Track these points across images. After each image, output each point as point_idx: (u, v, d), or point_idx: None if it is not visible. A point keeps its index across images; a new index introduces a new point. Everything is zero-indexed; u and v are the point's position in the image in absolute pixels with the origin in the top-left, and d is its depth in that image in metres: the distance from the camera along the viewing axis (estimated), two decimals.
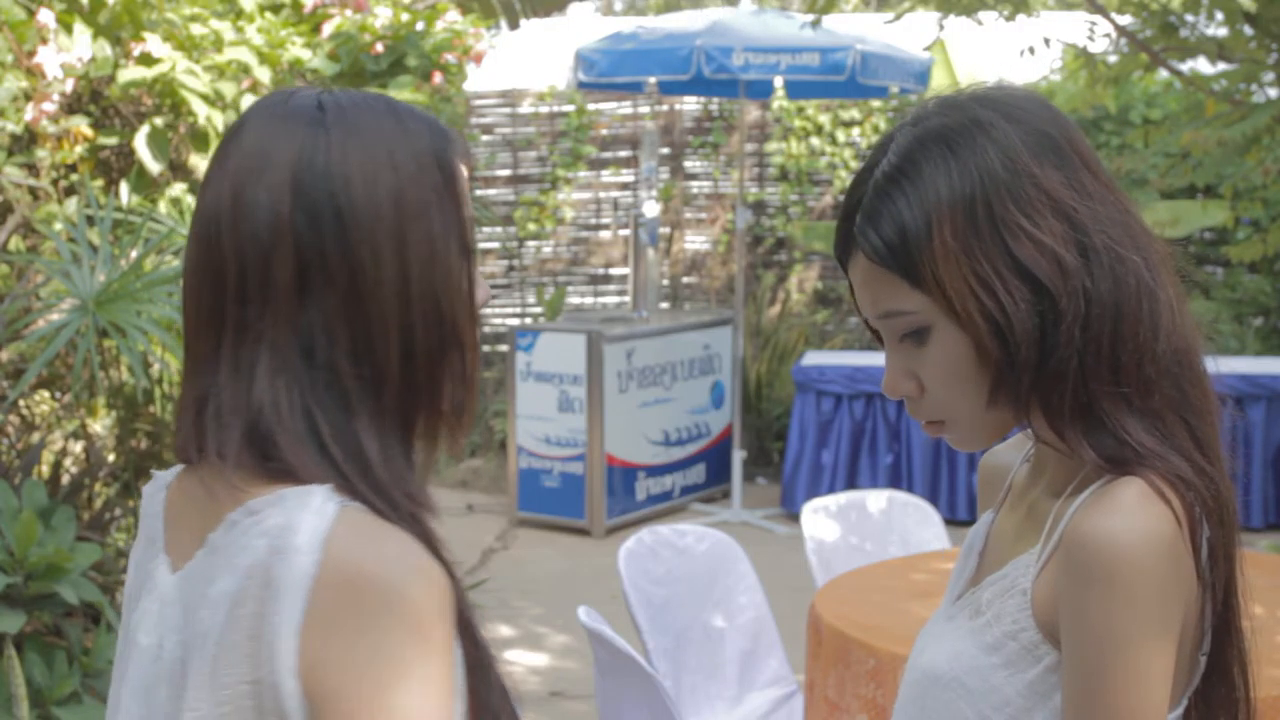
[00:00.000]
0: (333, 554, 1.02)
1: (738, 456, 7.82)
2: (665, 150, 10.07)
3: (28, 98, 4.13)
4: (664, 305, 9.47)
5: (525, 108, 10.16)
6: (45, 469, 4.26)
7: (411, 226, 1.07)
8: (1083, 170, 1.21)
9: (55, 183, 4.36)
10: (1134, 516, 1.15)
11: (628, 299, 9.02)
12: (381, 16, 4.84)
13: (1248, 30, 5.66)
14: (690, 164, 10.24)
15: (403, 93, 4.69)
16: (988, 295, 1.19)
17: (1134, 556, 1.13)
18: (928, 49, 7.33)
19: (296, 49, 4.66)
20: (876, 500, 4.00)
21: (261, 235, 1.07)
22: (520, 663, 5.34)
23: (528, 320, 10.09)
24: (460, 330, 1.10)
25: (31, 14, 4.14)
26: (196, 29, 4.50)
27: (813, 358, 7.92)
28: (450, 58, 4.96)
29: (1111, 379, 1.18)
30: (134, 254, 3.78)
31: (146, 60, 4.33)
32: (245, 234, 1.07)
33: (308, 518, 1.03)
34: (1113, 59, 6.16)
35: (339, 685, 1.00)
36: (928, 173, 1.23)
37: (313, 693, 1.00)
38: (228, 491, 1.08)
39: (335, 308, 1.07)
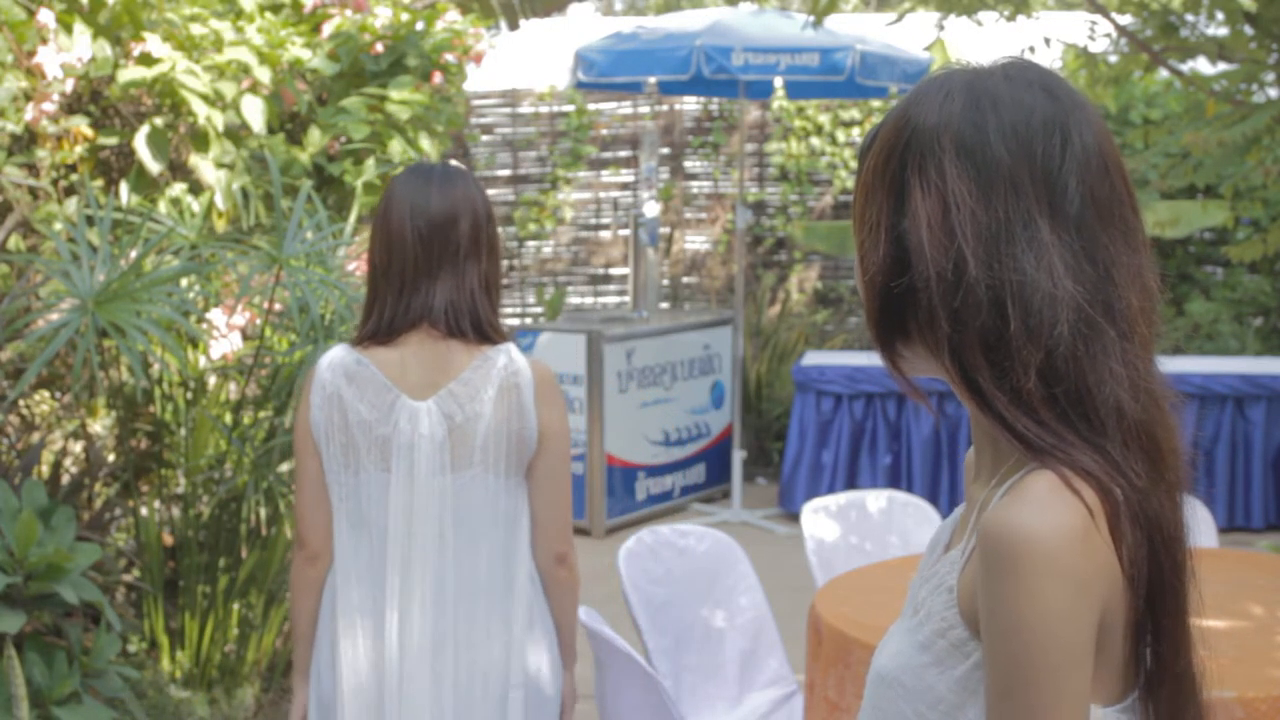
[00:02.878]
0: (535, 365, 2.58)
1: (738, 456, 7.82)
2: (665, 150, 10.07)
3: (28, 98, 4.13)
4: (664, 305, 9.47)
5: (525, 108, 10.16)
6: (45, 469, 4.26)
7: None
8: (1027, 195, 1.19)
9: (55, 183, 4.36)
10: (1041, 507, 1.14)
11: (628, 299, 9.01)
12: (381, 16, 4.84)
13: (1248, 30, 5.66)
14: (690, 164, 10.24)
15: (402, 92, 4.69)
16: (868, 233, 1.25)
17: (1040, 547, 1.12)
18: (928, 49, 7.33)
19: (296, 49, 4.66)
20: (876, 500, 4.00)
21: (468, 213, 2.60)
22: None
23: (528, 320, 10.09)
24: None
25: (31, 14, 4.14)
26: (196, 29, 4.50)
27: (813, 358, 7.92)
28: (450, 58, 4.96)
29: (1011, 371, 1.18)
30: (134, 254, 3.78)
31: (146, 60, 4.33)
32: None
33: (515, 354, 2.56)
34: (1113, 59, 6.16)
35: (553, 426, 2.56)
36: (893, 110, 1.27)
37: (542, 433, 2.55)
38: (466, 349, 2.53)
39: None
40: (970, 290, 1.18)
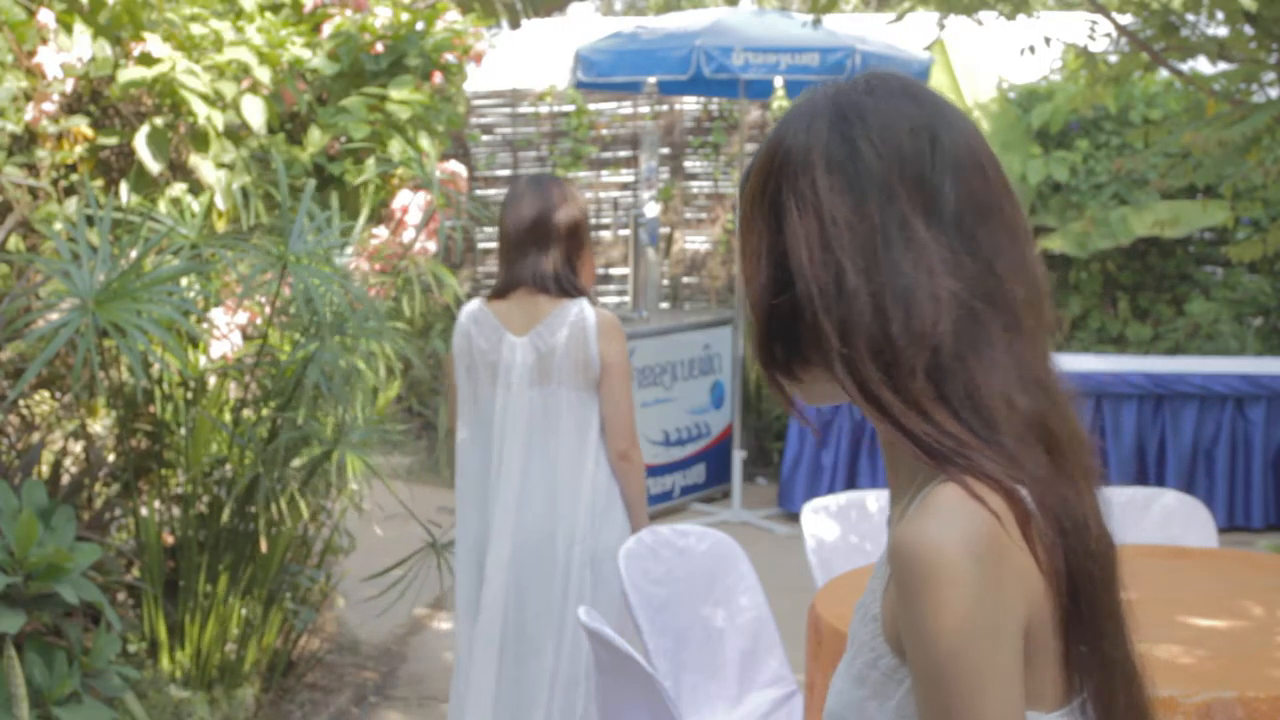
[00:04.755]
0: (600, 313, 3.56)
1: (738, 456, 7.82)
2: (665, 150, 10.07)
3: (28, 98, 4.13)
4: (664, 305, 9.47)
5: (525, 108, 10.16)
6: (45, 469, 4.26)
7: None
8: (902, 200, 1.20)
9: (55, 183, 4.36)
10: (946, 520, 1.13)
11: (628, 299, 9.01)
12: (381, 16, 4.84)
13: (1248, 30, 5.66)
14: (690, 164, 10.24)
15: (402, 92, 4.69)
16: (752, 262, 1.26)
17: (948, 560, 1.11)
18: (928, 49, 7.34)
19: (296, 49, 4.66)
20: (876, 500, 4.00)
21: None
22: None
23: None
24: None
25: (31, 14, 4.14)
26: (196, 29, 4.50)
27: None
28: (450, 58, 4.96)
29: (907, 381, 1.18)
30: (134, 254, 3.78)
31: (146, 60, 4.33)
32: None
33: (586, 306, 3.54)
34: (1113, 59, 6.16)
35: (611, 357, 3.53)
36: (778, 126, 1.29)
37: (603, 361, 3.52)
38: (550, 301, 3.55)
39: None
40: (852, 300, 1.19)
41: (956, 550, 1.11)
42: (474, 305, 3.64)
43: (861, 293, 1.18)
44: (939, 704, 1.12)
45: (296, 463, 4.42)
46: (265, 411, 4.34)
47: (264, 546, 4.29)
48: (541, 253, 3.54)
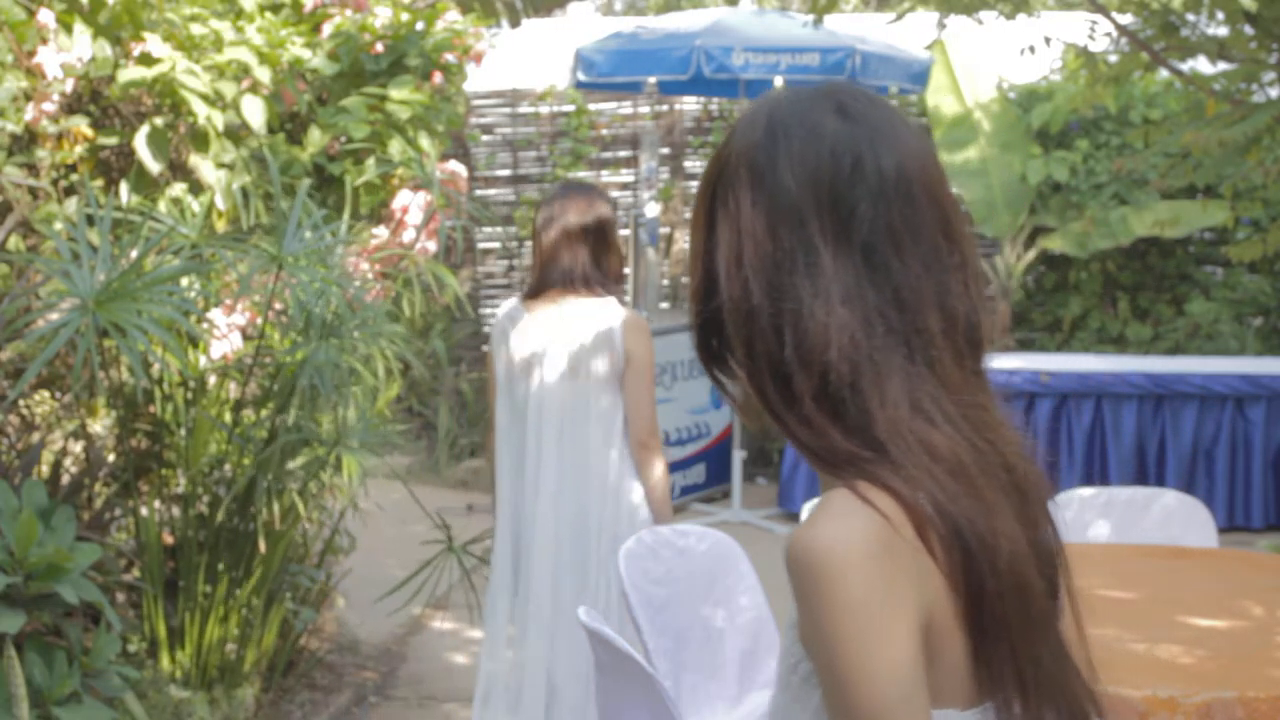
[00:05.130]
0: (627, 311, 3.74)
1: (738, 456, 7.82)
2: (665, 150, 10.06)
3: (28, 98, 4.13)
4: (664, 305, 9.47)
5: (525, 108, 10.16)
6: (45, 469, 4.26)
7: None
8: (813, 225, 1.22)
9: (55, 183, 4.36)
10: (833, 521, 1.15)
11: (628, 299, 9.02)
12: (381, 16, 4.84)
13: (1248, 30, 5.66)
14: (690, 164, 10.23)
15: (402, 92, 4.69)
16: (692, 260, 1.30)
17: (834, 559, 1.13)
18: (928, 49, 7.34)
19: (296, 49, 4.66)
20: None
21: None
22: None
23: None
24: None
25: (31, 14, 4.14)
26: (196, 29, 4.50)
27: None
28: (450, 57, 4.96)
29: (800, 394, 1.21)
30: (134, 254, 3.78)
31: (146, 60, 4.33)
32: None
33: (613, 304, 3.75)
34: (1113, 59, 6.16)
35: (636, 353, 3.71)
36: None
37: (628, 357, 3.70)
38: (580, 300, 3.72)
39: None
40: (755, 318, 1.22)
41: (844, 550, 1.13)
42: (510, 304, 3.89)
43: (764, 312, 1.21)
44: (841, 701, 1.13)
45: (295, 464, 4.42)
46: (265, 412, 4.34)
47: (262, 547, 4.29)
48: (571, 254, 3.76)
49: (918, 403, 1.20)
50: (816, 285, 1.20)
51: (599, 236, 3.77)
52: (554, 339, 3.77)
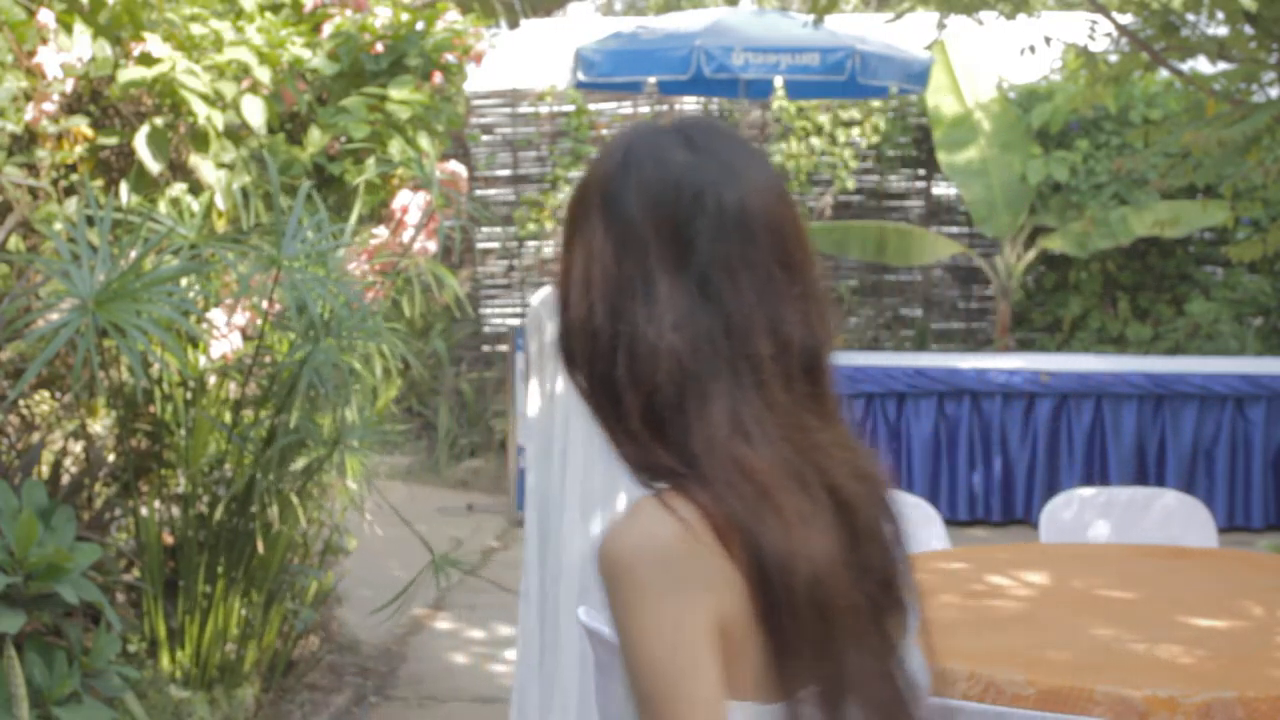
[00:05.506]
0: None
1: None
2: None
3: (28, 98, 4.13)
4: None
5: (525, 108, 10.16)
6: (45, 469, 4.26)
7: None
8: (651, 252, 1.29)
9: (55, 183, 4.36)
10: (633, 525, 1.24)
11: None
12: (381, 16, 4.84)
13: (1248, 30, 5.66)
14: None
15: (402, 92, 4.69)
16: (560, 259, 1.38)
17: (631, 561, 1.22)
18: (928, 49, 7.34)
19: (296, 49, 4.66)
20: None
21: None
22: None
23: (528, 320, 10.08)
24: None
25: (31, 14, 4.14)
26: (196, 29, 4.50)
27: None
28: (450, 58, 4.96)
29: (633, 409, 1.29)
30: (134, 254, 3.78)
31: (146, 60, 4.33)
32: None
33: None
34: (1113, 59, 6.16)
35: None
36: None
37: None
38: None
39: None
40: (596, 338, 1.30)
41: (640, 552, 1.22)
42: (544, 292, 4.12)
43: (603, 334, 1.29)
44: (639, 690, 1.22)
45: (295, 466, 4.42)
46: (264, 413, 4.34)
47: (260, 548, 4.29)
48: None
49: (739, 424, 1.26)
50: (651, 311, 1.27)
51: None
52: None
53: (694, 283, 1.28)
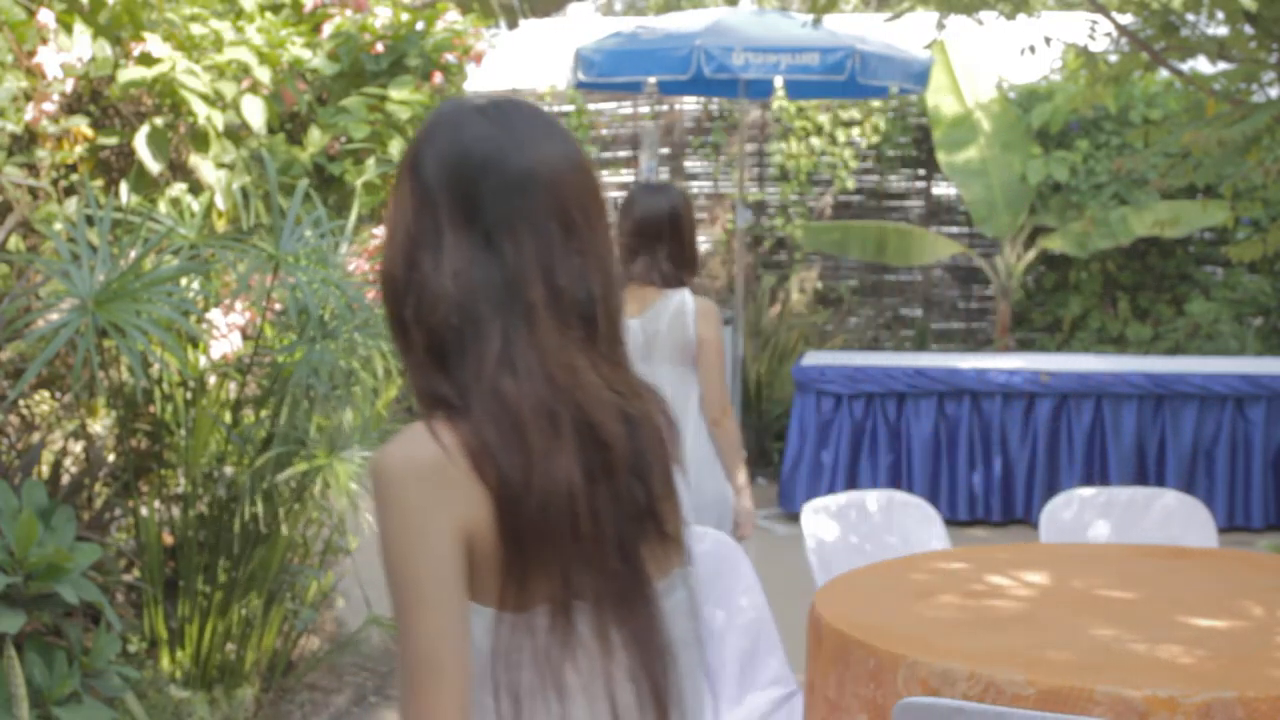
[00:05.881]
0: (699, 300, 4.12)
1: None
2: (665, 150, 10.07)
3: (28, 98, 4.13)
4: None
5: None
6: (45, 469, 4.26)
7: None
8: (442, 210, 1.48)
9: (55, 183, 4.36)
10: (399, 444, 1.43)
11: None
12: (381, 16, 4.84)
13: (1248, 29, 5.66)
14: (690, 164, 10.24)
15: (402, 92, 4.69)
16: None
17: (389, 475, 1.41)
18: (928, 48, 7.34)
19: (296, 49, 4.66)
20: (876, 500, 4.00)
21: None
22: None
23: None
24: None
25: (31, 14, 4.14)
26: (196, 29, 4.50)
27: (813, 358, 7.92)
28: (450, 58, 4.96)
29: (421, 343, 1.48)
30: (134, 254, 3.78)
31: (146, 60, 4.33)
32: None
33: (687, 294, 4.10)
34: (1113, 59, 6.16)
35: (707, 336, 4.11)
36: None
37: (699, 340, 4.12)
38: (657, 291, 4.08)
39: None
40: (394, 283, 1.49)
41: (400, 465, 1.41)
42: None
43: (400, 281, 1.48)
44: (391, 586, 1.40)
45: (288, 473, 4.41)
46: (265, 412, 4.34)
47: (261, 545, 4.29)
48: (650, 250, 4.10)
49: (507, 362, 1.44)
50: (438, 261, 1.46)
51: (676, 233, 4.11)
52: (633, 326, 4.05)
53: (479, 237, 1.46)
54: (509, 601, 1.42)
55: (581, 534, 1.43)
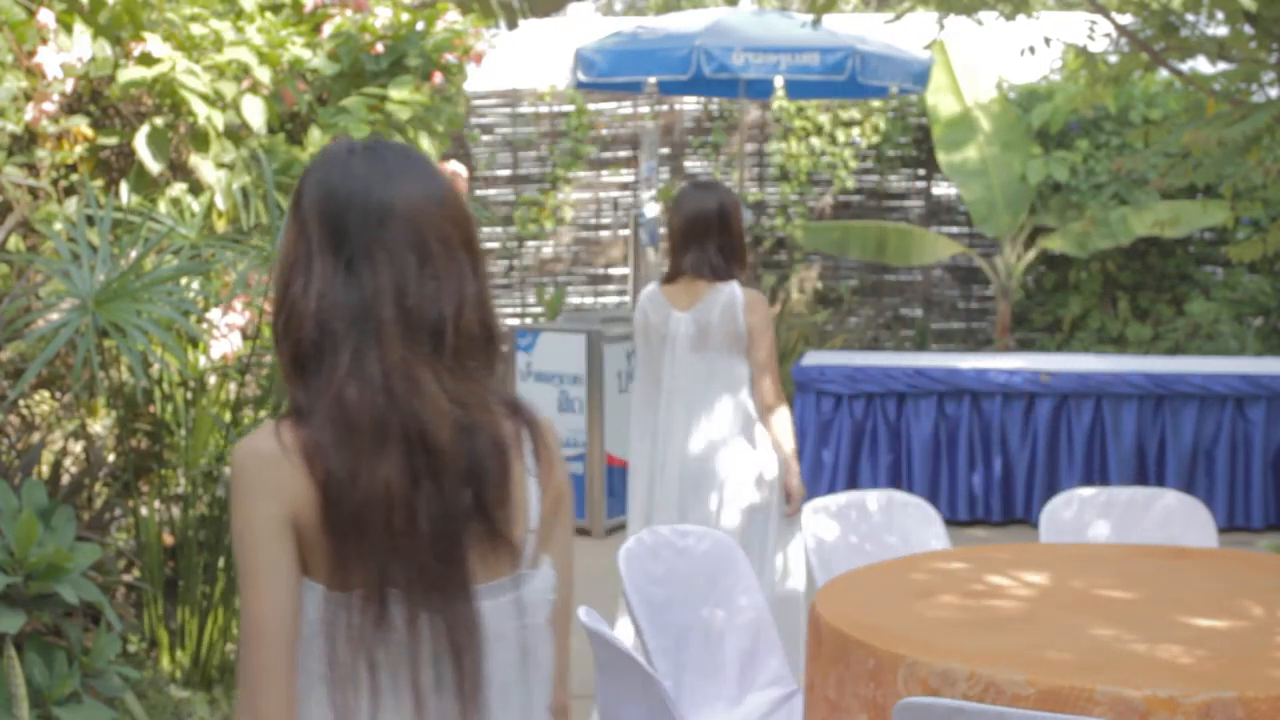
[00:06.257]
0: (748, 292, 4.37)
1: None
2: (665, 150, 10.07)
3: (28, 98, 4.13)
4: None
5: (525, 108, 10.16)
6: (45, 469, 4.26)
7: None
8: (314, 238, 1.68)
9: (55, 183, 4.36)
10: (248, 438, 1.65)
11: (628, 299, 9.02)
12: (381, 16, 4.84)
13: (1248, 30, 5.67)
14: (690, 164, 10.24)
15: (402, 92, 4.69)
16: None
17: (235, 465, 1.64)
18: (928, 49, 7.34)
19: (296, 49, 4.66)
20: (876, 500, 4.00)
21: None
22: None
23: (528, 320, 10.09)
24: None
25: (31, 14, 4.14)
26: (196, 29, 4.50)
27: (813, 358, 7.91)
28: (450, 58, 4.96)
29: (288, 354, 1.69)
30: (134, 254, 3.78)
31: (146, 60, 4.33)
32: None
33: (735, 287, 4.34)
34: (1113, 59, 6.16)
35: (756, 326, 4.37)
36: None
37: (749, 330, 4.37)
38: (708, 285, 4.34)
39: None
40: (277, 299, 1.69)
41: (241, 459, 1.64)
42: (650, 288, 4.55)
43: (278, 300, 1.69)
44: (235, 560, 1.66)
45: None
46: (264, 413, 4.34)
47: None
48: (700, 246, 4.36)
49: (355, 372, 1.63)
50: (306, 283, 1.66)
51: (725, 229, 4.36)
52: (686, 318, 4.38)
53: (343, 263, 1.66)
54: (334, 582, 1.62)
55: (396, 529, 1.62)
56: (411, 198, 1.68)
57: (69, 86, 4.15)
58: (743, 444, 4.36)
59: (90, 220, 4.01)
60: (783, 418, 4.36)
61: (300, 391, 1.66)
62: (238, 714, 1.65)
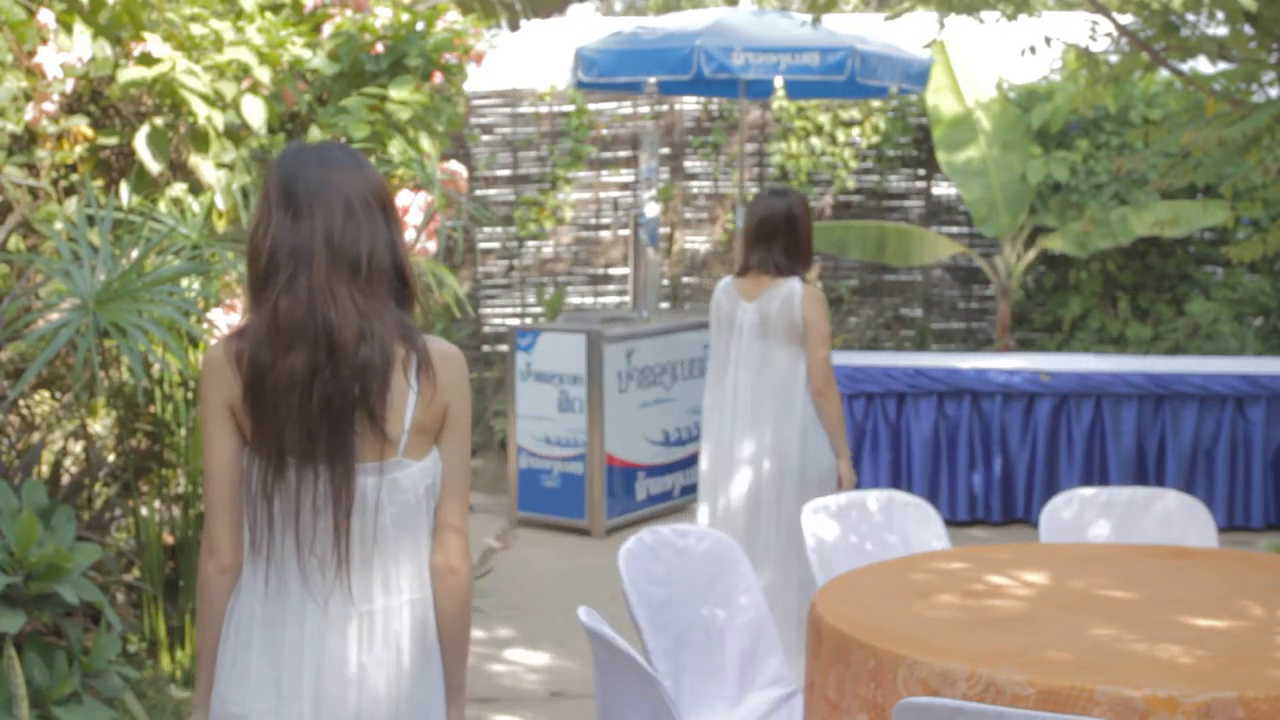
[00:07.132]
0: (805, 286, 4.88)
1: None
2: (665, 150, 10.06)
3: (28, 98, 4.13)
4: (664, 305, 9.47)
5: (525, 108, 10.16)
6: (45, 469, 4.26)
7: None
8: (273, 199, 2.33)
9: (55, 183, 4.36)
10: (209, 348, 2.25)
11: (628, 299, 9.02)
12: (382, 16, 4.84)
13: (1248, 30, 5.66)
14: (690, 164, 10.24)
15: (402, 92, 4.69)
16: None
17: (200, 368, 2.43)
18: (927, 48, 7.34)
19: (296, 49, 4.66)
20: (876, 500, 4.00)
21: None
22: (520, 662, 5.34)
23: (528, 320, 10.09)
24: None
25: (31, 14, 4.14)
26: (196, 29, 4.50)
27: None
28: (450, 58, 4.96)
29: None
30: (134, 254, 3.78)
31: (146, 60, 4.33)
32: None
33: (795, 282, 4.86)
34: (1113, 59, 6.16)
35: (811, 318, 4.86)
36: None
37: (805, 321, 4.86)
38: (772, 279, 4.88)
39: None
40: (247, 244, 2.35)
41: (203, 362, 2.31)
42: (725, 280, 5.07)
43: (250, 241, 2.32)
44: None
45: None
46: None
47: None
48: (768, 245, 4.87)
49: (290, 289, 2.25)
50: (265, 229, 2.29)
51: (789, 231, 4.85)
52: (751, 308, 4.90)
53: (290, 214, 2.28)
54: (254, 446, 2.27)
55: (294, 408, 2.23)
56: (343, 173, 2.32)
57: (69, 86, 4.14)
58: (808, 427, 4.82)
59: (90, 220, 4.01)
60: (833, 403, 4.81)
61: (254, 307, 2.28)
62: (204, 535, 2.32)
